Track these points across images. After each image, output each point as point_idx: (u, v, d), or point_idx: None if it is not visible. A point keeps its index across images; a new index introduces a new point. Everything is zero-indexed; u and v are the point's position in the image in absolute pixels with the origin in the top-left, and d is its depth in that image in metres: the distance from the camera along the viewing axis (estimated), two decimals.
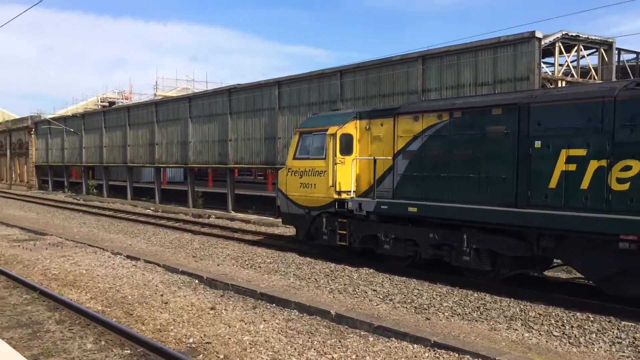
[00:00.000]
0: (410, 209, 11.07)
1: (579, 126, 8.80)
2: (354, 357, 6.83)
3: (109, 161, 35.20)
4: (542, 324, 7.98)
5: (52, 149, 42.65)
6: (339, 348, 7.12)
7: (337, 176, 12.61)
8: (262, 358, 6.79)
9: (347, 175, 12.56)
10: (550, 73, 16.13)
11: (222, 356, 6.87)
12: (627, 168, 8.30)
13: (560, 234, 9.04)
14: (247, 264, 12.45)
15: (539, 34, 14.63)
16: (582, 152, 8.79)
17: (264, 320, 8.30)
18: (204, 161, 27.07)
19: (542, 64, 15.29)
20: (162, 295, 9.75)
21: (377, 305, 9.04)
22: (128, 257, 13.40)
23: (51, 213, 24.70)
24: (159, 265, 12.39)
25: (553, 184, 9.12)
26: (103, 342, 7.35)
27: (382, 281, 10.61)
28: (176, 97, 33.11)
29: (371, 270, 11.48)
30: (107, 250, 14.25)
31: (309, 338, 7.51)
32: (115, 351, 7.01)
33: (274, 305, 9.24)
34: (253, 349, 7.09)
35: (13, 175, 48.80)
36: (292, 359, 6.79)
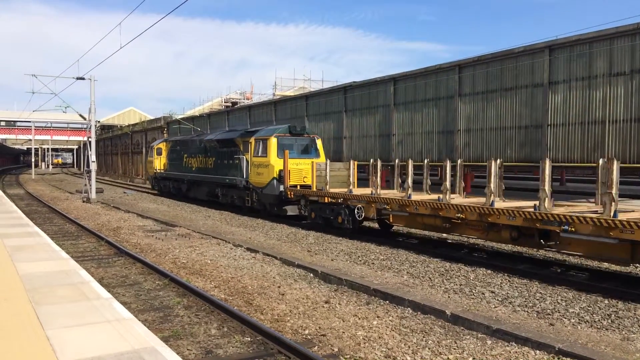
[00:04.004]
0: (166, 175, 31.70)
1: (184, 148, 29.63)
2: (470, 359, 6.63)
3: None
4: None
5: None
6: (454, 349, 6.93)
7: (155, 164, 32.94)
8: (375, 354, 6.80)
9: (159, 163, 32.66)
10: None
11: (336, 349, 6.98)
12: (196, 161, 27.85)
13: (186, 180, 28.99)
14: (360, 260, 12.52)
15: None
16: (186, 155, 28.85)
17: (377, 317, 8.31)
18: None
19: None
20: (279, 287, 10.11)
21: (496, 307, 8.68)
22: (248, 249, 14.05)
23: (180, 206, 26.51)
24: (276, 258, 12.86)
25: (182, 165, 29.42)
26: (225, 329, 7.78)
27: (500, 282, 10.18)
28: (294, 96, 34.10)
29: (489, 271, 11.06)
30: (229, 242, 15.05)
31: (423, 337, 7.40)
32: (237, 338, 7.39)
33: (387, 302, 9.22)
34: (367, 344, 7.13)
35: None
36: (406, 356, 6.73)
